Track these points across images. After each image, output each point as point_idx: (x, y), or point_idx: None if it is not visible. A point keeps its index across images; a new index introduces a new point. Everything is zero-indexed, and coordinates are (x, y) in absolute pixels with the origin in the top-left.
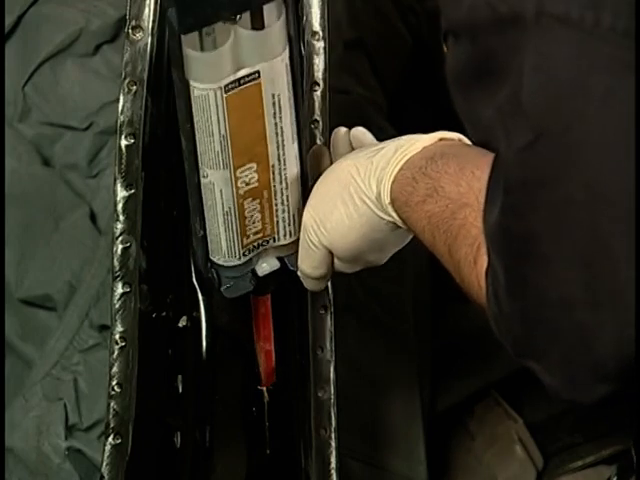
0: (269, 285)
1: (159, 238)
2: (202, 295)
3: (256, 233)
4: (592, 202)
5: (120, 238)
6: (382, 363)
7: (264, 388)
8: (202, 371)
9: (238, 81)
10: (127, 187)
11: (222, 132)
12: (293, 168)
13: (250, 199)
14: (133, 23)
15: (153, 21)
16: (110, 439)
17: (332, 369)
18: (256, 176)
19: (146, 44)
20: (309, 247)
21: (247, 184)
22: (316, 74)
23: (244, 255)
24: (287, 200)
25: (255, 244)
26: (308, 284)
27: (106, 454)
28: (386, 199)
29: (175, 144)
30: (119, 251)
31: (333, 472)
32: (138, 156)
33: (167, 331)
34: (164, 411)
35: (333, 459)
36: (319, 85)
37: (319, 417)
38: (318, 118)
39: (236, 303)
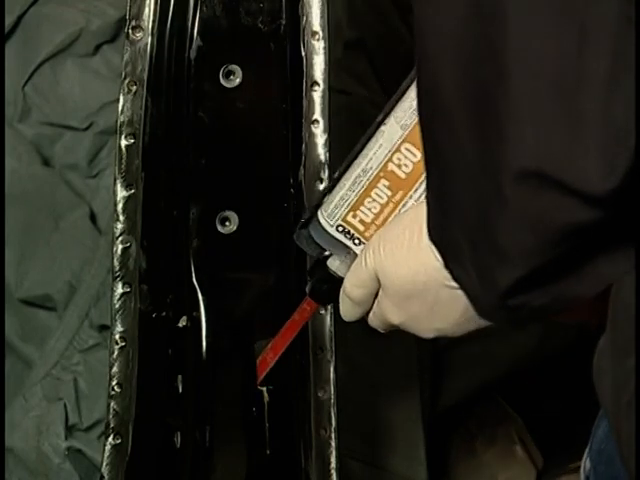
0: (323, 293)
1: (159, 238)
2: (202, 295)
3: (360, 222)
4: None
5: (120, 238)
6: (382, 363)
7: (264, 388)
8: (202, 371)
9: None
10: (127, 187)
11: None
12: None
13: (387, 183)
14: (133, 23)
15: (153, 21)
16: (110, 439)
17: (332, 369)
18: (410, 168)
19: (146, 44)
20: (360, 263)
21: (398, 166)
22: (316, 74)
23: (337, 230)
24: None
25: (351, 232)
26: (343, 306)
27: (106, 454)
28: None
29: (175, 144)
30: (119, 251)
31: (333, 472)
32: (138, 156)
33: (167, 331)
34: (164, 411)
35: (333, 459)
36: (319, 85)
37: (319, 417)
38: (318, 118)
39: (244, 298)
